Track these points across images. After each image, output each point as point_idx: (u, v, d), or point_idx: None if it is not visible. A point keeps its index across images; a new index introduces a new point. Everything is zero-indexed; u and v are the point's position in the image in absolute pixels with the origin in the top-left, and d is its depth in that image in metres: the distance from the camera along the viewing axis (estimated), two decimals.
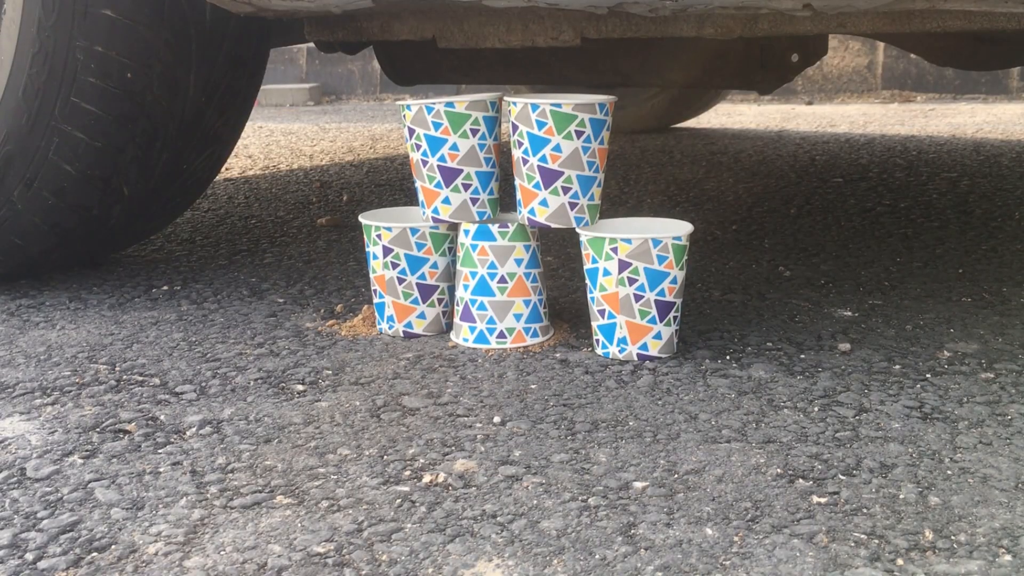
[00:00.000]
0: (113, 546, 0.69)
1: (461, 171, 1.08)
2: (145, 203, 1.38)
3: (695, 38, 1.21)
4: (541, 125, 1.02)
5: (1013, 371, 0.99)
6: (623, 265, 1.00)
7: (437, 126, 1.07)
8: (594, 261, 1.01)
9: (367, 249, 1.13)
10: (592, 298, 1.03)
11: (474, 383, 0.98)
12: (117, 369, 1.05)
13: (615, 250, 1.00)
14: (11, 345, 1.14)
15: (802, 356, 1.04)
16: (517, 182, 1.07)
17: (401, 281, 1.11)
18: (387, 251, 1.10)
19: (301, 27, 1.53)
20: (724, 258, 1.47)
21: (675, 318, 1.03)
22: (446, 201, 1.09)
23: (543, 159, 1.03)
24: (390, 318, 1.13)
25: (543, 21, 1.23)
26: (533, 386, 0.97)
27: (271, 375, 1.02)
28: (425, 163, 1.09)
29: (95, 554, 0.68)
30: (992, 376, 0.98)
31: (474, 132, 1.07)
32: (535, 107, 1.02)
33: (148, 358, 1.09)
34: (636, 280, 1.00)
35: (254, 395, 0.97)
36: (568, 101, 1.02)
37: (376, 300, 1.14)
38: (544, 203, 1.05)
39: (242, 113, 1.45)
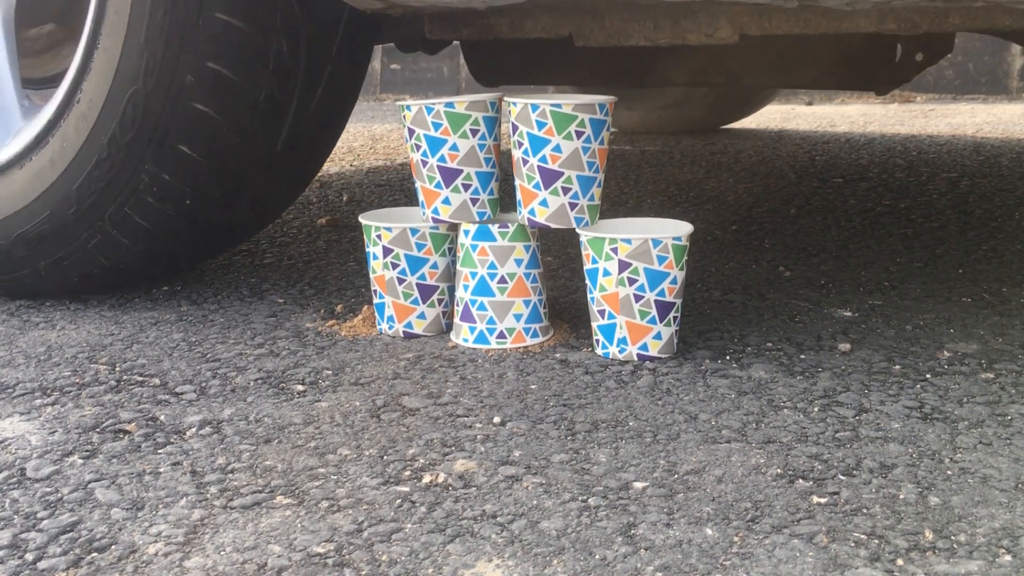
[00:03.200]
0: (113, 546, 0.69)
1: (461, 171, 1.08)
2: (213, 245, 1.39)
3: (821, 37, 1.15)
4: (541, 125, 1.02)
5: (1013, 371, 0.99)
6: (623, 265, 1.00)
7: (437, 126, 1.07)
8: (594, 261, 1.01)
9: (367, 249, 1.13)
10: (592, 298, 1.03)
11: (474, 383, 0.98)
12: (117, 369, 1.05)
13: (615, 250, 1.00)
14: (11, 345, 1.14)
15: (802, 356, 1.04)
16: (517, 182, 1.07)
17: (401, 281, 1.11)
18: (387, 251, 1.11)
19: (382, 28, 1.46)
20: (724, 258, 1.47)
21: (675, 318, 1.03)
22: (446, 201, 1.09)
23: (543, 159, 1.03)
24: (390, 318, 1.13)
25: (696, 17, 1.17)
26: (533, 386, 0.97)
27: (271, 375, 1.02)
28: (425, 163, 1.09)
29: (95, 554, 0.68)
30: (992, 376, 0.98)
31: (474, 132, 1.07)
32: (535, 107, 1.02)
33: (148, 358, 1.09)
34: (636, 280, 1.00)
35: (254, 395, 0.97)
36: (568, 101, 1.02)
37: (376, 300, 1.14)
38: (544, 203, 1.05)
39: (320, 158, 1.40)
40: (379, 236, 1.11)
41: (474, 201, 1.09)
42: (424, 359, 1.06)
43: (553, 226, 1.05)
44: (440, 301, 1.13)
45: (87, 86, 1.19)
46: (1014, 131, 2.91)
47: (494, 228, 1.07)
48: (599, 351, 1.05)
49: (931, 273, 1.36)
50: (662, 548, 0.68)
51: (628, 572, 0.65)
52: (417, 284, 1.11)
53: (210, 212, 1.27)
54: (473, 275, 1.08)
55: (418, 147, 1.09)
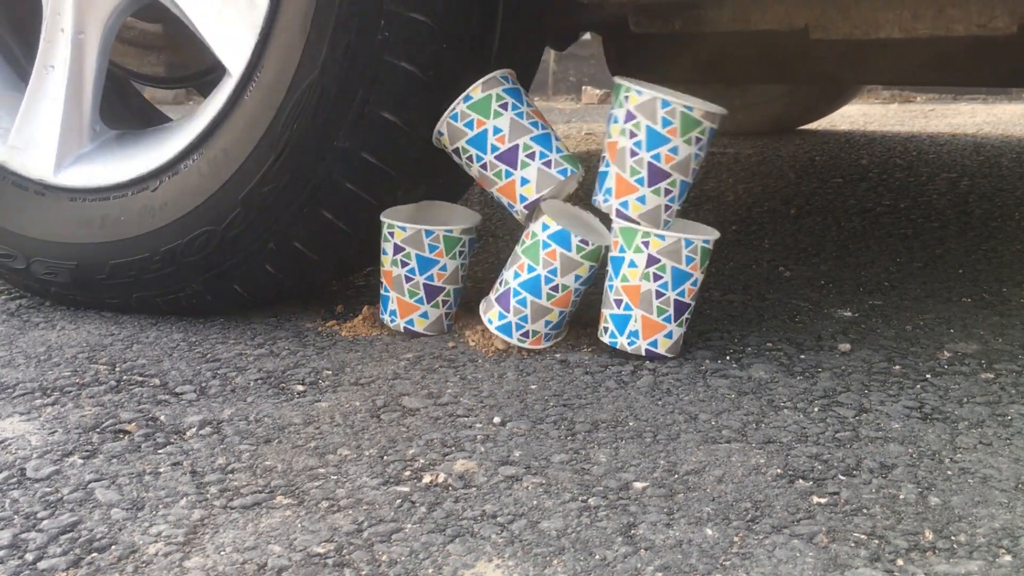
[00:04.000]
0: (113, 546, 0.69)
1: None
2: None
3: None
4: (667, 123, 0.99)
5: (1013, 371, 0.99)
6: (652, 260, 0.99)
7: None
8: (622, 251, 1.01)
9: (382, 244, 1.12)
10: (611, 286, 1.03)
11: (474, 383, 0.98)
12: (117, 369, 1.05)
13: (647, 244, 0.99)
14: (11, 345, 1.14)
15: (802, 356, 1.04)
16: (614, 170, 1.02)
17: (408, 280, 1.11)
18: (398, 249, 1.10)
19: None
20: (724, 258, 1.47)
21: (687, 320, 1.03)
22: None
23: (656, 157, 0.99)
24: (392, 312, 1.13)
25: (967, 5, 1.04)
26: (533, 386, 0.97)
27: (271, 375, 1.02)
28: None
29: (95, 554, 0.68)
30: (992, 376, 0.98)
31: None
32: (666, 104, 0.98)
33: (148, 358, 1.09)
34: (661, 277, 0.99)
35: (254, 395, 0.97)
36: (699, 107, 0.99)
37: (382, 292, 1.14)
38: (642, 200, 1.01)
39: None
40: (391, 233, 1.10)
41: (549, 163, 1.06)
42: (424, 359, 1.06)
43: (643, 224, 1.01)
44: (444, 303, 1.13)
45: (166, 186, 1.15)
46: (1014, 131, 2.91)
47: (575, 240, 1.02)
48: (605, 339, 1.04)
49: (931, 273, 1.36)
50: (662, 548, 0.68)
51: (628, 572, 0.65)
52: (424, 284, 1.11)
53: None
54: (531, 269, 1.04)
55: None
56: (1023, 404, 0.91)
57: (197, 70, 1.53)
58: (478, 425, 0.88)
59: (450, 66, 1.10)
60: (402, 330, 1.13)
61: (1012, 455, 0.81)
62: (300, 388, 0.99)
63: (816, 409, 0.90)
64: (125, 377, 1.03)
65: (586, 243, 1.02)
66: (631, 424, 0.88)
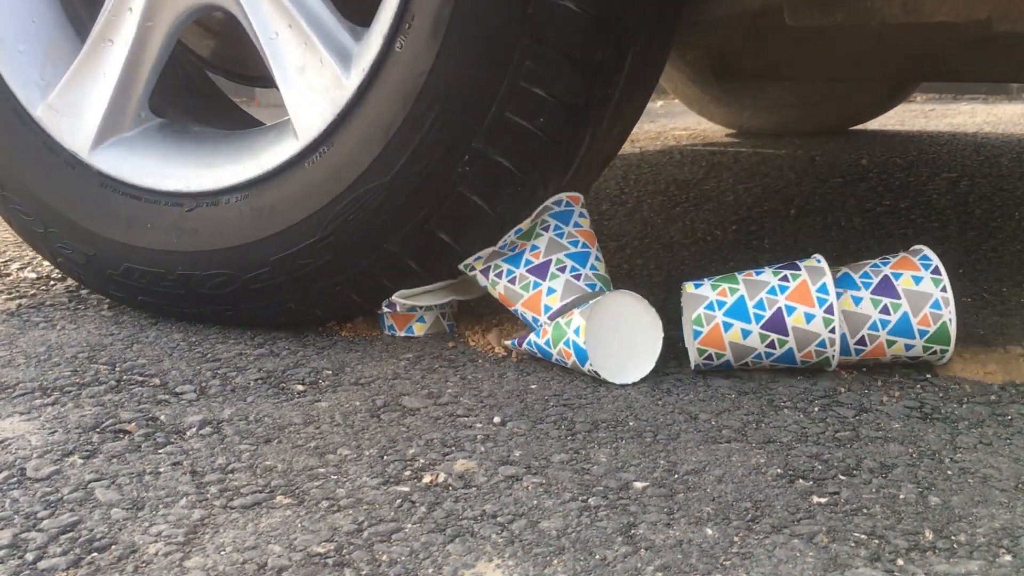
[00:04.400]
0: (113, 546, 0.69)
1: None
2: None
3: None
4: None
5: None
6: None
7: None
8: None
9: None
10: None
11: (474, 383, 0.98)
12: (117, 369, 1.05)
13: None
14: (11, 345, 1.14)
15: None
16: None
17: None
18: None
19: None
20: (724, 258, 1.47)
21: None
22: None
23: None
24: (391, 327, 1.14)
25: None
26: (533, 386, 0.97)
27: (271, 375, 1.02)
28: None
29: (95, 554, 0.68)
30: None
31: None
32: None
33: (148, 358, 1.09)
34: None
35: (254, 395, 0.97)
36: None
37: (377, 312, 1.15)
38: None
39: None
40: None
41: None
42: (424, 359, 1.06)
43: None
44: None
45: (201, 213, 1.13)
46: (1014, 131, 2.91)
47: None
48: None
49: None
50: (662, 548, 0.68)
51: (628, 572, 0.65)
52: None
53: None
54: (548, 343, 1.01)
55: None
56: (1023, 404, 0.91)
57: (235, 71, 1.50)
58: (478, 425, 0.88)
59: (518, 204, 1.09)
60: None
61: (1012, 455, 0.81)
62: (300, 388, 0.99)
63: (816, 409, 0.90)
64: (125, 377, 1.03)
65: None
66: (631, 424, 0.88)
